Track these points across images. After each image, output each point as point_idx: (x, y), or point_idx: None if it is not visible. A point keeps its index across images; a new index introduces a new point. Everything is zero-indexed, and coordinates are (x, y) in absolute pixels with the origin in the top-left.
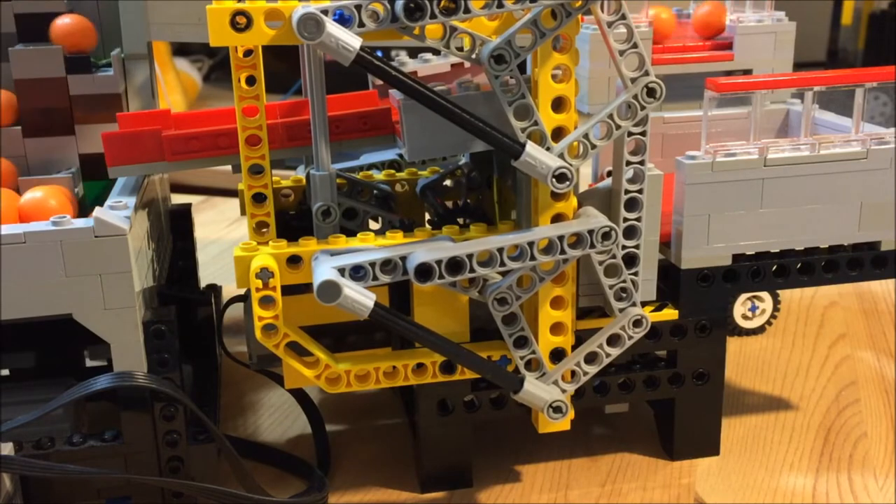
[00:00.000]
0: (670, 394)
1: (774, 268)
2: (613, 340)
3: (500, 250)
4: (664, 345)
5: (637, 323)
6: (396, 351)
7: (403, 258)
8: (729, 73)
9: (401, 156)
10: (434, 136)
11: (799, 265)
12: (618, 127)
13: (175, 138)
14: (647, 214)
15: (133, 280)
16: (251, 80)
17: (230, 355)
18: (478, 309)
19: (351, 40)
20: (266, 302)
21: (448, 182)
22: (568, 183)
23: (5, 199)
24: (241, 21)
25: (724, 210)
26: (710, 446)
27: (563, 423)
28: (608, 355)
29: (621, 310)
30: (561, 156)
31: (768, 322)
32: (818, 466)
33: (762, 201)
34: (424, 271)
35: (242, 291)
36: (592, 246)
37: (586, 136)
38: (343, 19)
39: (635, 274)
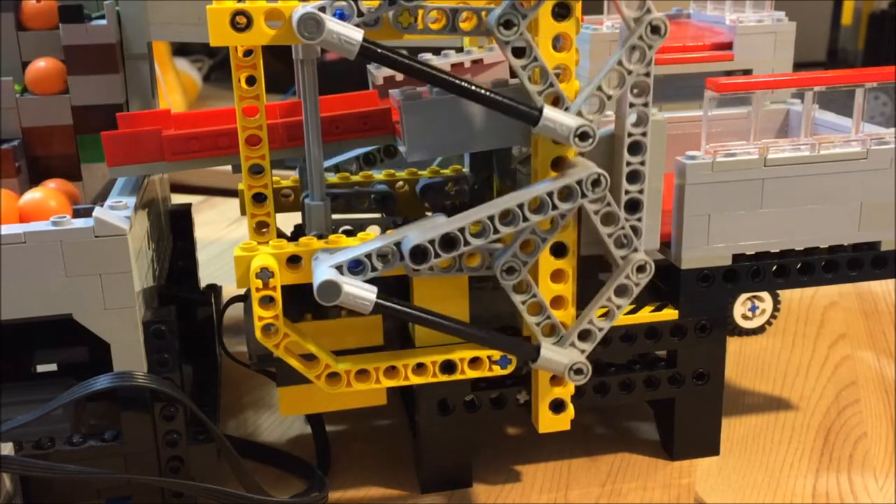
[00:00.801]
0: (670, 394)
1: (774, 268)
2: (621, 291)
3: (492, 218)
4: (664, 345)
5: (641, 269)
6: (396, 351)
7: (398, 244)
8: (729, 73)
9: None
10: (434, 136)
11: (799, 265)
12: (629, 72)
13: (175, 138)
14: (651, 158)
15: (133, 280)
16: (251, 80)
17: (230, 355)
18: (478, 310)
19: (353, 33)
20: (266, 302)
21: (450, 187)
22: (591, 140)
23: (5, 199)
24: (241, 21)
25: (724, 210)
26: (710, 446)
27: (563, 423)
28: (619, 307)
29: (623, 257)
30: (579, 114)
31: (768, 322)
32: (818, 466)
33: (762, 201)
34: (419, 253)
35: (242, 291)
36: (583, 196)
37: (600, 88)
38: (343, 17)
39: (639, 220)
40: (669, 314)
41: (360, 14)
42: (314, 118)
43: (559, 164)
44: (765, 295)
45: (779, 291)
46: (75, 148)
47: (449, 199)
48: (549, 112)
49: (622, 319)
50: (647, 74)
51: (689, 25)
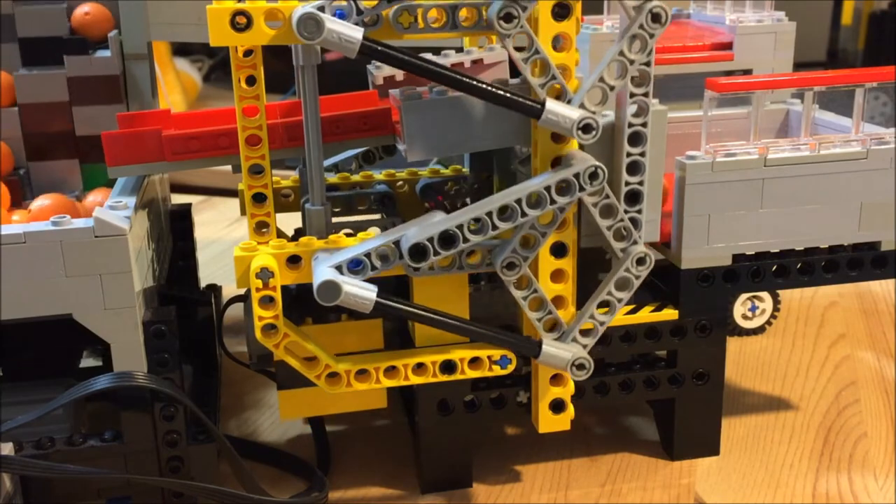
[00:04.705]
0: (670, 394)
1: (774, 268)
2: (621, 284)
3: (490, 214)
4: (664, 345)
5: (640, 261)
6: (396, 351)
7: (397, 242)
8: (729, 73)
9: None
10: (434, 136)
11: (799, 265)
12: (631, 62)
13: (175, 138)
14: (651, 149)
15: (133, 280)
16: (251, 80)
17: (230, 355)
18: (478, 310)
19: (352, 32)
20: (266, 302)
21: (449, 186)
22: (594, 132)
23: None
24: (241, 21)
25: (724, 210)
26: (710, 446)
27: (563, 423)
28: (619, 300)
29: (622, 250)
30: (581, 106)
31: (768, 322)
32: (818, 466)
33: (762, 201)
34: (419, 251)
35: (242, 291)
36: (581, 189)
37: (602, 79)
38: (342, 16)
39: (639, 212)
40: (669, 314)
41: (360, 12)
42: (314, 124)
43: (559, 163)
44: (765, 295)
45: (779, 291)
46: (72, 125)
47: (449, 198)
48: (552, 105)
49: (622, 319)
50: (648, 64)
51: (689, 25)
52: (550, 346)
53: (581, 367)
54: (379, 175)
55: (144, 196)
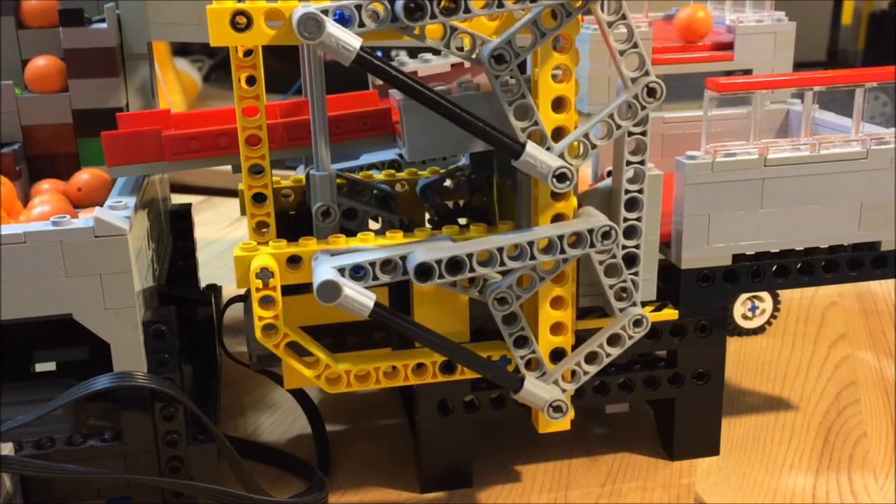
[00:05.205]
0: (670, 394)
1: (774, 268)
2: (614, 340)
3: (500, 250)
4: (664, 345)
5: (637, 323)
6: (396, 351)
7: (403, 258)
8: (729, 73)
9: (401, 155)
10: (434, 136)
11: (799, 265)
12: (618, 127)
13: (175, 138)
14: (648, 214)
15: (133, 280)
16: (251, 80)
17: (230, 355)
18: (478, 309)
19: (351, 40)
20: (266, 302)
21: (448, 183)
22: (568, 183)
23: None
24: (241, 21)
25: (724, 210)
26: (710, 446)
27: (563, 423)
28: (608, 355)
29: (621, 309)
30: (561, 156)
31: (768, 322)
32: (818, 466)
33: (762, 201)
34: (425, 271)
35: (242, 291)
36: (592, 245)
37: (586, 135)
38: (343, 19)
39: (635, 274)
40: (669, 314)
41: (362, 24)
42: (319, 86)
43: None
44: (765, 295)
45: (779, 291)
46: (76, 147)
47: (448, 195)
48: (532, 149)
49: None
50: (644, 133)
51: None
52: (532, 385)
53: (558, 409)
54: (379, 175)
55: (144, 196)
